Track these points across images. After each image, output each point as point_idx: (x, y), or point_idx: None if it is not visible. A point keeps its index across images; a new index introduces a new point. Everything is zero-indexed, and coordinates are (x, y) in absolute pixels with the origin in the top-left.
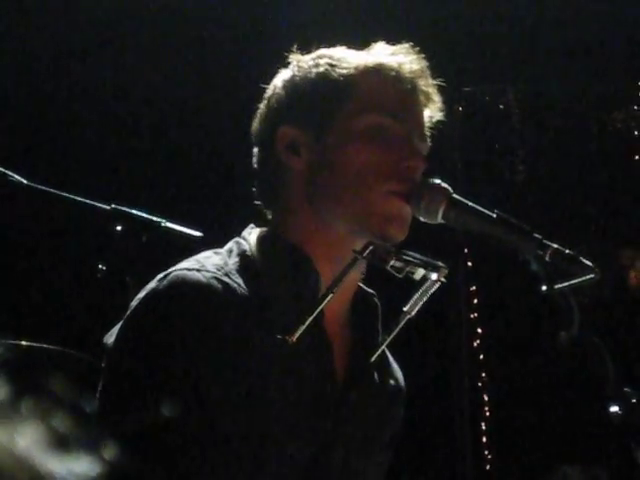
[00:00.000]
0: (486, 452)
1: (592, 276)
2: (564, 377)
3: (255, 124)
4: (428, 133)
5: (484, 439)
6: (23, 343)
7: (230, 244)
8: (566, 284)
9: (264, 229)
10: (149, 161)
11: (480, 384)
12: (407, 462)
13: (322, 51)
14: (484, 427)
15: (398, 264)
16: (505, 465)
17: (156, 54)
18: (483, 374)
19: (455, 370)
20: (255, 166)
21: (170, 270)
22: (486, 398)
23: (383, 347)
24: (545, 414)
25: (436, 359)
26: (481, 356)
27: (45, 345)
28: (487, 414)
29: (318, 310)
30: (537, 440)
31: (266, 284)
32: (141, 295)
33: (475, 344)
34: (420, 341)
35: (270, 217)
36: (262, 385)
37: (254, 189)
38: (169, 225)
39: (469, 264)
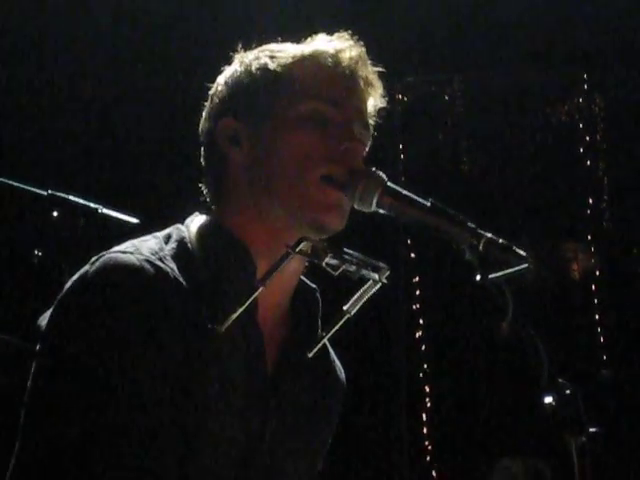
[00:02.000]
0: (426, 443)
1: (526, 265)
2: (504, 368)
3: (201, 122)
4: (371, 121)
5: (424, 430)
6: None
7: (170, 229)
8: (500, 274)
9: (206, 217)
10: (87, 146)
11: (421, 375)
12: (347, 452)
13: (264, 46)
14: (425, 418)
15: (334, 261)
16: (445, 456)
17: (100, 40)
18: (425, 365)
19: (395, 361)
20: (202, 163)
21: (103, 252)
22: (427, 389)
23: (322, 343)
24: (485, 405)
25: (377, 350)
26: (423, 347)
27: None
28: (428, 405)
29: (248, 302)
30: (477, 431)
31: (201, 272)
32: (74, 277)
33: (417, 335)
34: (361, 333)
35: (214, 207)
36: (191, 373)
37: (201, 185)
38: (106, 211)
39: (412, 255)
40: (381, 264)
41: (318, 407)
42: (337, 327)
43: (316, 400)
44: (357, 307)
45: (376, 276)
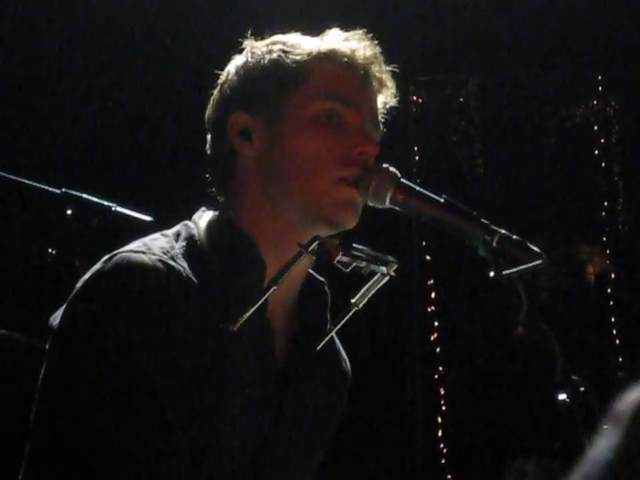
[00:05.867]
0: (441, 445)
1: (540, 262)
2: (519, 370)
3: (208, 110)
4: (382, 119)
5: (439, 432)
6: None
7: (179, 227)
8: (514, 270)
9: (215, 213)
10: (101, 145)
11: (436, 377)
12: (361, 454)
13: (276, 37)
14: (440, 420)
15: (345, 259)
16: (460, 459)
17: (115, 39)
18: (440, 367)
19: (410, 363)
20: (208, 152)
21: (115, 252)
22: (442, 391)
23: (329, 336)
24: (500, 407)
25: (391, 353)
26: (437, 349)
27: None
28: (443, 408)
29: (260, 302)
30: (492, 433)
31: (211, 270)
32: (86, 276)
33: (432, 338)
34: (375, 336)
35: (222, 202)
36: (205, 373)
37: (207, 175)
38: (120, 209)
39: (427, 257)
40: (390, 258)
41: (325, 400)
42: (345, 320)
43: (323, 393)
44: (365, 300)
45: (385, 270)
